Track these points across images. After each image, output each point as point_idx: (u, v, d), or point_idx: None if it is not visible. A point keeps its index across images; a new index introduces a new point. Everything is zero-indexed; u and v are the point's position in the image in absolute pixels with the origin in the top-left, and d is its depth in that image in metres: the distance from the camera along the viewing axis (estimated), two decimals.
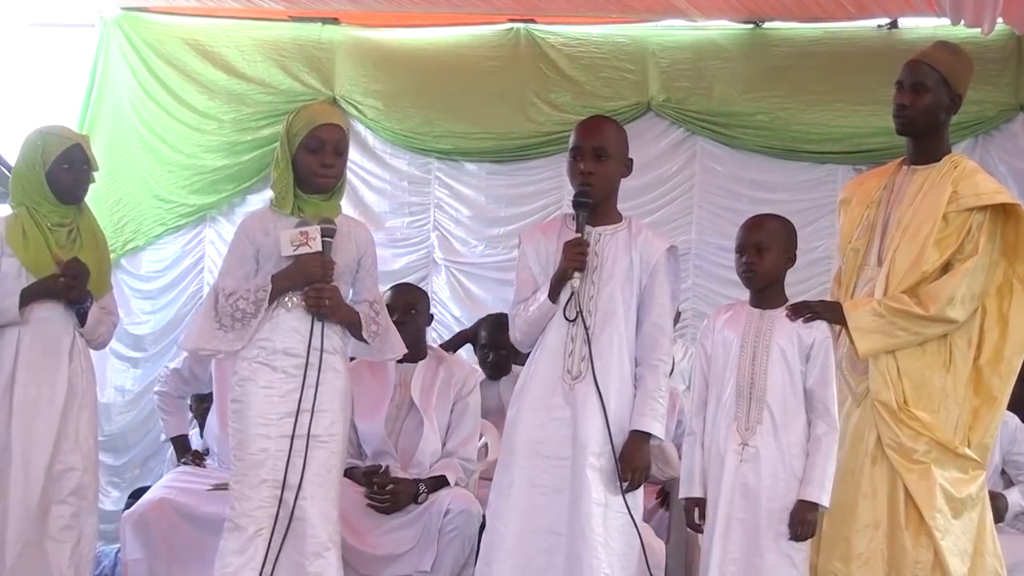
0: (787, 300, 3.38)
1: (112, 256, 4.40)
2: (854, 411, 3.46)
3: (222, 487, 3.90)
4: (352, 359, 3.80)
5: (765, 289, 3.37)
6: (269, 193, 3.64)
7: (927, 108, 3.45)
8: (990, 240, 3.43)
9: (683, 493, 3.42)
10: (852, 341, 3.37)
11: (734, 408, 3.30)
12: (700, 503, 3.35)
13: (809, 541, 3.25)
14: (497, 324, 5.05)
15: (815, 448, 3.24)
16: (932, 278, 3.40)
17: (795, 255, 3.40)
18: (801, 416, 3.27)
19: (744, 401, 3.29)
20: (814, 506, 3.22)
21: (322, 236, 3.45)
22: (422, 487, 4.26)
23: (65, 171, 4.01)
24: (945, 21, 5.58)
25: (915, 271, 3.40)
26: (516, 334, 3.46)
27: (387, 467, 4.33)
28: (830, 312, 3.38)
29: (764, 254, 3.33)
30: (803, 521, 3.21)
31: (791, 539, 3.22)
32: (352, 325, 3.58)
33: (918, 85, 3.45)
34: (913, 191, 3.48)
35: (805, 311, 3.33)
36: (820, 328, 3.31)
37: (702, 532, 3.36)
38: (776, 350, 3.28)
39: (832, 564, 3.38)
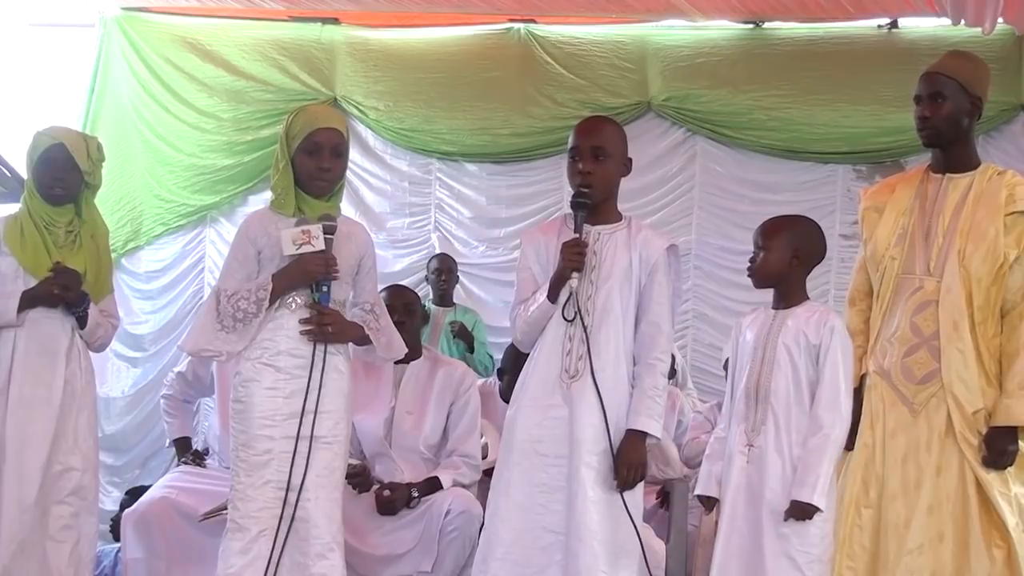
0: (806, 299, 3.34)
1: (112, 256, 4.38)
2: (912, 423, 3.37)
3: (217, 513, 3.89)
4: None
5: (780, 289, 3.35)
6: (270, 194, 3.63)
7: (948, 116, 3.40)
8: None
9: (696, 490, 3.45)
10: None
11: (744, 409, 3.29)
12: (708, 501, 3.38)
13: (817, 543, 3.19)
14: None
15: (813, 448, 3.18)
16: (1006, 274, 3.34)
17: (809, 255, 3.35)
18: (806, 417, 3.23)
19: (752, 402, 3.28)
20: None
21: (324, 234, 3.43)
22: (414, 492, 4.25)
23: (44, 171, 4.00)
24: (946, 21, 5.58)
25: (992, 270, 3.33)
26: (516, 334, 3.46)
27: (366, 467, 4.34)
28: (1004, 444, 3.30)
29: (763, 253, 3.33)
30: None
31: None
32: (359, 340, 3.57)
33: (935, 95, 3.41)
34: (956, 198, 3.41)
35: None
36: (828, 328, 3.24)
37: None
38: (782, 349, 3.25)
39: None
